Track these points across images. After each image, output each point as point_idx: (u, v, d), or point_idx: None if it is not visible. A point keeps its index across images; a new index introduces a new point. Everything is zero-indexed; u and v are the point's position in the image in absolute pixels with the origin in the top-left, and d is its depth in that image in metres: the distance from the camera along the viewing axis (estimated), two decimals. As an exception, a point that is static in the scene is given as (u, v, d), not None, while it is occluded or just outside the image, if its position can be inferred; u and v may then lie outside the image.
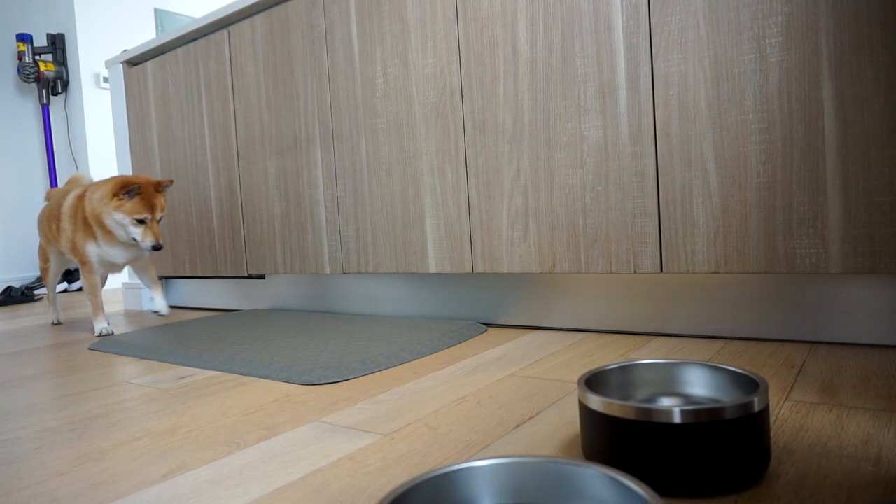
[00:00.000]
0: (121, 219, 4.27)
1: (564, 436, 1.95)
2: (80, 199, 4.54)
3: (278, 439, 2.11)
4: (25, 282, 9.18)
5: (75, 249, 4.57)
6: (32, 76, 8.98)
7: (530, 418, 2.14)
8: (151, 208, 4.30)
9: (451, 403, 2.38)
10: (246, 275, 5.13)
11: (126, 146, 6.15)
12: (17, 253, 9.34)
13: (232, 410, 2.48)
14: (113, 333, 4.54)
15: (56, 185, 9.44)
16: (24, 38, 8.96)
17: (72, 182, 5.43)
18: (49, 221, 4.93)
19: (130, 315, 5.77)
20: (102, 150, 9.15)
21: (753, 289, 3.03)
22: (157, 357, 3.57)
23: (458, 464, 1.39)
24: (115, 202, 4.25)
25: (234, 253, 5.17)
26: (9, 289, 7.94)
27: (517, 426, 2.08)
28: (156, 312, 4.78)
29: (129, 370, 3.33)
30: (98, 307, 4.65)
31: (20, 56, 8.98)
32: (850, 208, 2.64)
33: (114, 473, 1.92)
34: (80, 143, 9.14)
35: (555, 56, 3.34)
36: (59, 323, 5.53)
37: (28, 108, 9.48)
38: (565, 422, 2.08)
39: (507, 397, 2.41)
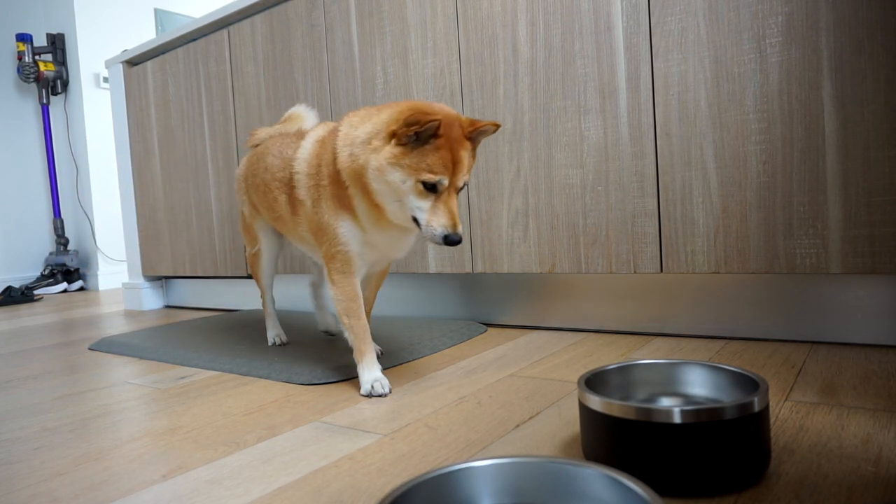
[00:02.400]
0: (396, 178, 2.39)
1: (564, 436, 1.95)
2: (328, 142, 2.73)
3: (278, 439, 2.12)
4: (25, 282, 9.17)
5: (319, 231, 2.75)
6: (32, 76, 8.98)
7: (530, 418, 2.15)
8: (453, 165, 2.39)
9: (451, 403, 2.38)
10: (246, 275, 5.14)
11: (126, 146, 6.15)
12: (17, 253, 9.34)
13: (232, 410, 2.49)
14: (388, 393, 2.58)
15: (56, 187, 9.52)
16: (23, 37, 8.96)
17: (291, 120, 3.67)
18: (260, 180, 3.25)
19: (130, 315, 5.77)
20: (102, 150, 9.15)
21: (753, 289, 3.03)
22: (157, 357, 3.58)
23: (459, 464, 1.39)
24: (390, 148, 2.39)
25: (235, 253, 5.17)
26: (9, 289, 7.93)
27: (517, 426, 2.08)
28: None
29: (129, 370, 3.34)
30: (365, 341, 2.72)
31: (20, 56, 8.98)
32: (850, 208, 2.64)
33: (114, 473, 1.92)
34: (80, 143, 9.14)
35: (555, 56, 3.34)
36: (283, 343, 3.61)
37: (28, 108, 9.48)
38: (565, 422, 2.08)
39: (508, 397, 2.41)
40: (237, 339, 3.84)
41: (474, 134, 2.48)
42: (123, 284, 6.33)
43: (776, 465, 1.65)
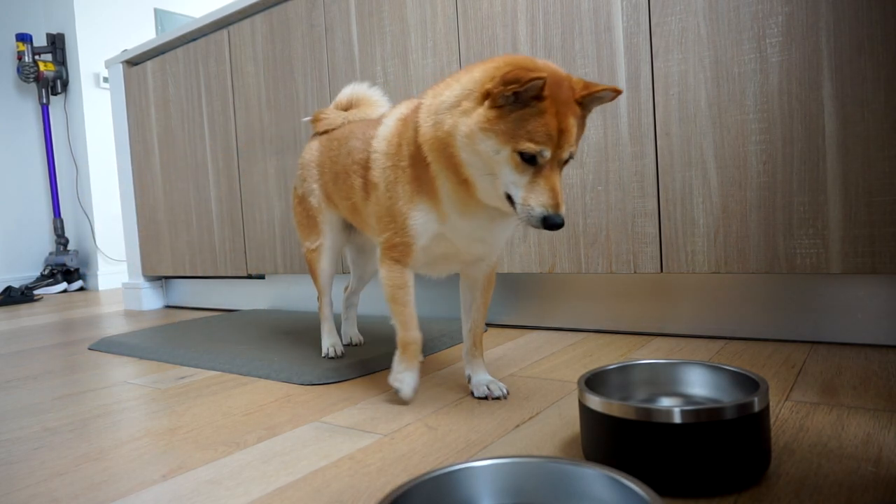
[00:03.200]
0: (488, 147, 2.02)
1: (564, 436, 1.95)
2: (410, 119, 2.39)
3: (278, 439, 2.12)
4: (25, 282, 9.16)
5: (386, 217, 2.46)
6: (32, 76, 8.97)
7: (530, 418, 2.15)
8: (559, 134, 1.99)
9: (450, 403, 2.38)
10: (246, 275, 5.15)
11: (126, 146, 6.15)
12: (17, 253, 9.34)
13: (232, 410, 2.49)
14: (409, 396, 2.44)
15: (56, 187, 9.53)
16: (23, 37, 8.96)
17: (360, 105, 3.33)
18: (340, 166, 2.92)
19: (130, 315, 5.78)
20: (102, 151, 9.14)
21: (753, 289, 3.03)
22: (157, 357, 3.58)
23: (459, 464, 1.39)
24: (483, 110, 2.02)
25: (235, 253, 5.18)
26: (8, 289, 7.93)
27: (517, 426, 2.08)
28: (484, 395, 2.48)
29: (128, 370, 3.34)
30: (408, 328, 2.51)
31: (20, 56, 8.98)
32: (851, 208, 2.64)
33: (114, 473, 1.92)
34: (80, 143, 9.14)
35: (555, 56, 3.34)
36: (339, 355, 3.17)
37: (28, 108, 9.47)
38: (565, 422, 2.08)
39: (508, 397, 2.41)
40: (237, 339, 3.83)
41: (587, 99, 2.07)
42: (123, 284, 6.33)
43: (776, 465, 1.65)
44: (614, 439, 1.60)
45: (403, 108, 2.56)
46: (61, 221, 9.31)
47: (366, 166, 2.64)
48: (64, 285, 9.07)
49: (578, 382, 1.79)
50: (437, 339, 3.32)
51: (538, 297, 3.69)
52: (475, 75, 2.11)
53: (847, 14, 2.62)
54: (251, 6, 4.82)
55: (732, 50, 2.86)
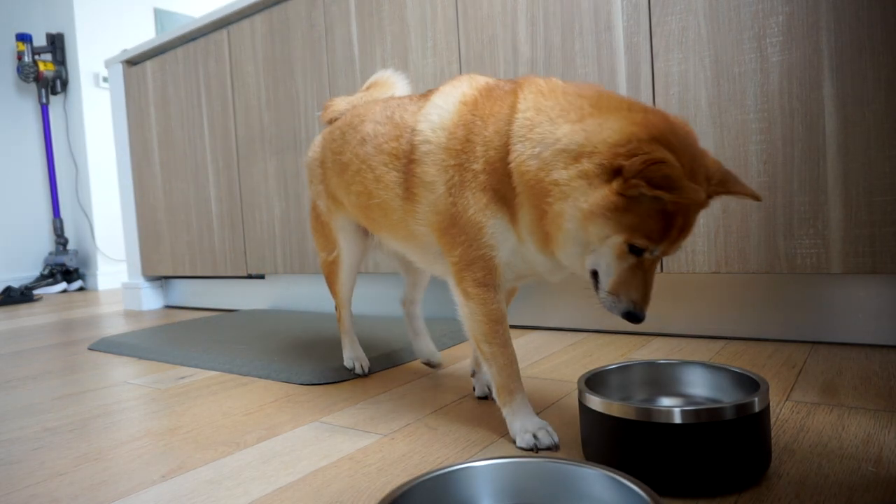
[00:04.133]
0: (599, 232, 1.75)
1: (564, 436, 1.95)
2: (491, 114, 2.01)
3: (278, 439, 2.12)
4: (25, 282, 9.16)
5: (452, 228, 2.08)
6: (32, 76, 8.97)
7: (530, 418, 2.15)
8: (680, 234, 1.75)
9: (451, 403, 2.38)
10: (246, 275, 5.15)
11: (125, 146, 6.15)
12: (17, 253, 9.34)
13: (232, 410, 2.49)
14: (556, 443, 1.94)
15: (56, 186, 9.52)
16: (23, 37, 8.96)
17: (378, 87, 2.97)
18: (351, 157, 2.53)
19: (130, 315, 5.78)
20: (102, 150, 9.14)
21: (754, 289, 3.03)
22: (157, 357, 3.58)
23: (459, 464, 1.40)
24: (608, 193, 1.69)
25: (234, 253, 5.18)
26: (8, 289, 7.94)
27: (517, 426, 2.08)
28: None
29: (128, 370, 3.34)
30: (513, 377, 2.07)
31: (19, 56, 8.98)
32: (851, 208, 2.64)
33: (113, 473, 1.93)
34: (80, 143, 9.14)
35: (555, 56, 3.34)
36: (365, 372, 2.94)
37: (27, 107, 9.48)
38: (565, 422, 2.08)
39: (508, 397, 2.41)
40: (237, 339, 3.83)
41: (721, 195, 1.83)
42: (123, 284, 6.33)
43: (777, 465, 1.65)
44: (614, 439, 1.60)
45: (465, 87, 2.15)
46: (61, 221, 9.31)
47: (408, 158, 2.21)
48: (63, 285, 9.07)
49: (578, 382, 1.79)
50: (438, 340, 3.31)
51: (538, 297, 3.69)
52: (605, 132, 1.72)
53: (847, 14, 2.62)
54: (251, 6, 4.82)
55: (733, 49, 2.86)
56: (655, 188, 1.57)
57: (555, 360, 2.90)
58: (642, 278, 1.76)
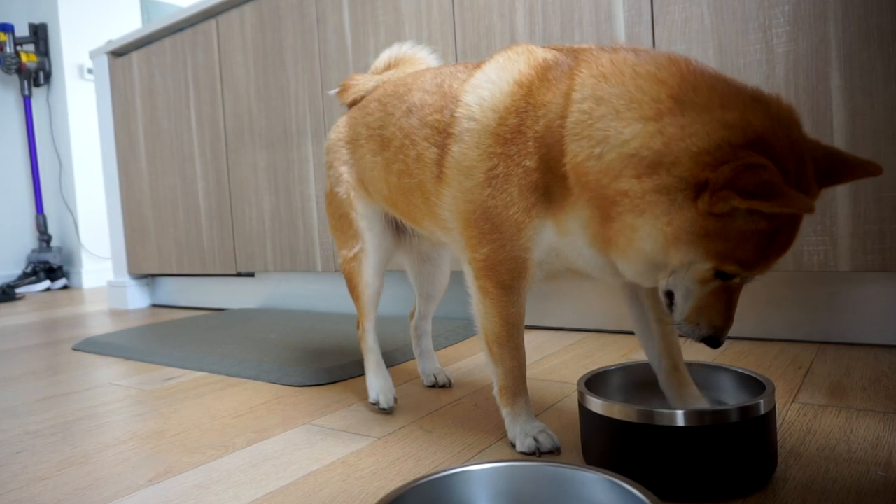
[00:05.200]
0: (684, 257, 1.52)
1: (564, 439, 1.95)
2: (546, 100, 1.77)
3: (268, 442, 2.12)
4: (7, 280, 9.15)
5: (491, 226, 1.88)
6: (14, 67, 8.95)
7: (529, 421, 2.14)
8: (776, 256, 1.51)
9: (446, 405, 2.38)
10: (235, 273, 5.15)
11: (111, 139, 6.14)
12: (-2, 250, 9.37)
13: (220, 413, 2.49)
14: (558, 447, 1.90)
15: (39, 182, 9.49)
16: (5, 27, 8.94)
17: (401, 64, 2.69)
18: (392, 132, 2.27)
19: (115, 314, 5.77)
20: (86, 144, 9.14)
21: (759, 287, 3.02)
22: (143, 358, 3.58)
23: (455, 468, 1.39)
24: (695, 215, 1.45)
25: (223, 250, 5.18)
26: (-11, 287, 7.94)
27: (515, 429, 2.08)
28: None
29: (113, 371, 3.34)
30: (519, 382, 2.00)
31: (1, 46, 8.96)
32: (860, 204, 2.64)
33: (98, 478, 1.92)
34: (63, 137, 9.13)
35: (555, 39, 3.33)
36: (390, 407, 2.39)
37: (9, 100, 9.48)
38: (564, 424, 2.08)
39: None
40: (226, 338, 3.83)
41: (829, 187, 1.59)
42: (108, 282, 6.32)
43: (783, 469, 1.65)
44: (615, 442, 1.60)
45: (522, 65, 1.89)
46: (44, 217, 9.30)
47: (445, 132, 2.01)
48: (47, 283, 9.06)
49: (578, 384, 1.78)
50: (433, 340, 3.29)
51: (536, 296, 3.69)
52: (691, 136, 1.45)
53: (856, 2, 2.62)
54: (240, -5, 4.81)
55: (737, 40, 2.85)
56: (750, 198, 1.34)
57: (554, 361, 2.90)
58: (726, 303, 1.58)
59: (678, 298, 1.60)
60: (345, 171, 2.53)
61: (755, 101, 1.50)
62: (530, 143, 1.77)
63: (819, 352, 2.74)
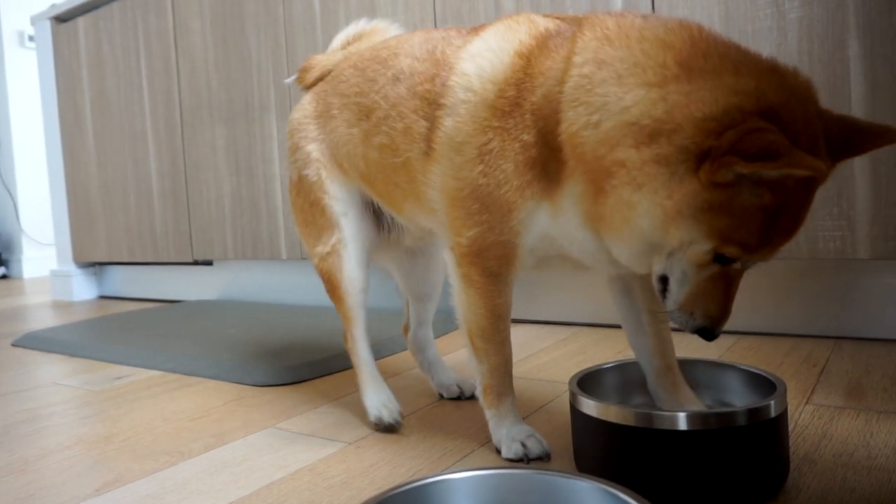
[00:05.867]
0: (682, 235, 1.51)
1: (554, 444, 1.95)
2: (547, 69, 1.75)
3: (228, 448, 2.12)
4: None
5: (480, 205, 1.85)
6: (-54, 33, 8.93)
7: (516, 424, 2.14)
8: (783, 239, 1.54)
9: (425, 407, 2.38)
10: (191, 261, 5.14)
11: (54, 114, 6.12)
12: (-70, 236, 9.32)
13: (175, 415, 2.48)
14: (548, 452, 1.89)
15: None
16: (-64, -11, 8.92)
17: (371, 36, 2.59)
18: (374, 101, 2.18)
19: (59, 307, 5.76)
20: (27, 120, 9.09)
21: (769, 277, 3.03)
22: (90, 355, 3.56)
23: (434, 476, 1.39)
24: (697, 187, 1.44)
25: (178, 236, 5.16)
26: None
27: (501, 433, 2.07)
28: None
29: (57, 370, 3.33)
30: (505, 379, 2.00)
31: (-68, 10, 8.94)
32: (881, 184, 2.64)
33: (40, 487, 1.91)
34: (2, 111, 9.09)
35: (544, 9, 3.33)
36: (396, 423, 2.20)
37: (-59, 69, 9.42)
38: (554, 428, 2.09)
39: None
40: (181, 333, 3.83)
41: (847, 159, 1.58)
42: (51, 272, 6.31)
43: (795, 477, 1.65)
44: (611, 448, 1.60)
45: (523, 35, 1.86)
46: (-20, 200, 9.27)
47: (436, 103, 1.96)
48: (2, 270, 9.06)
49: (570, 383, 1.78)
50: (401, 337, 3.30)
51: (525, 287, 3.69)
52: (697, 102, 1.44)
53: (876, -36, 2.62)
54: (197, -47, 4.79)
55: (745, 5, 2.85)
56: (754, 160, 1.33)
57: (543, 358, 2.90)
58: (724, 291, 1.57)
59: (673, 284, 1.59)
60: (314, 150, 2.39)
61: (770, 71, 1.49)
62: (527, 116, 1.74)
63: (835, 348, 2.75)
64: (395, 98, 2.09)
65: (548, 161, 1.73)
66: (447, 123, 1.90)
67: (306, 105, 2.45)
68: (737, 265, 1.53)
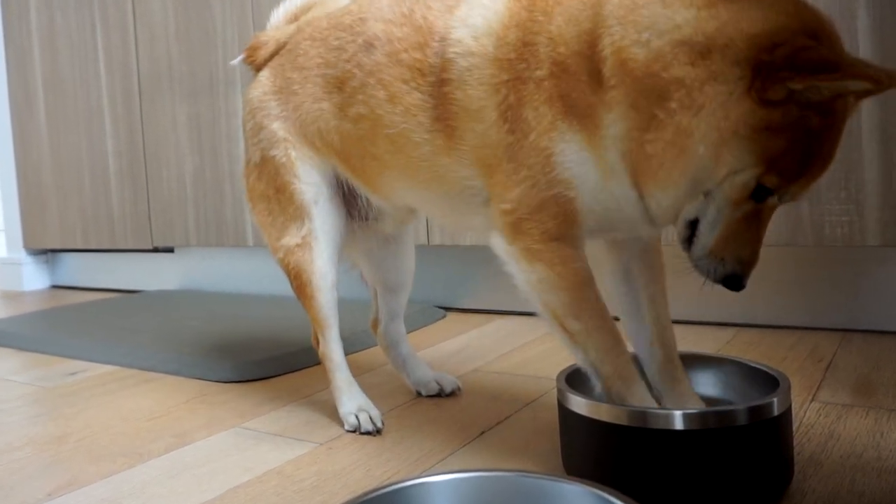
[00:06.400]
0: (734, 160, 1.50)
1: (541, 445, 1.95)
2: (546, 4, 1.77)
3: (190, 449, 2.11)
4: None
5: (516, 163, 1.80)
6: None
7: (498, 423, 2.15)
8: (821, 165, 1.55)
9: (402, 405, 2.38)
10: (151, 248, 5.11)
11: (3, 91, 6.08)
12: None
13: (134, 414, 2.48)
14: None
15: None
16: None
17: (316, 6, 2.50)
18: (347, 71, 2.16)
19: (8, 297, 5.75)
20: (-27, 95, 9.02)
21: (772, 265, 3.03)
22: (42, 349, 3.55)
23: (411, 479, 1.39)
24: (755, 105, 1.45)
25: (137, 220, 5.13)
26: None
27: (482, 432, 2.09)
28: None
29: (6, 365, 3.33)
30: (626, 362, 1.79)
31: None
32: (891, 166, 2.64)
33: (-14, 491, 1.91)
34: (-54, 86, 9.03)
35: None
36: (377, 429, 2.17)
37: None
38: (541, 427, 2.09)
39: (471, 398, 2.41)
40: (140, 326, 3.83)
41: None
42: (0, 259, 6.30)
43: (800, 480, 1.66)
44: (602, 449, 1.60)
45: None
46: (-78, 182, 9.22)
47: (440, 77, 1.92)
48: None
49: (558, 379, 1.79)
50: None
51: (507, 274, 3.66)
52: (747, 19, 1.48)
53: (888, -72, 2.62)
54: (157, -85, 4.77)
55: (748, -28, 2.85)
56: (812, 73, 1.36)
57: (529, 352, 2.90)
58: (756, 232, 1.63)
59: (704, 227, 1.59)
60: (279, 128, 2.32)
61: (809, 6, 1.52)
62: (541, 50, 1.71)
63: (843, 341, 2.76)
64: (371, 66, 2.06)
65: (573, 91, 1.68)
66: (459, 96, 1.86)
67: (264, 81, 2.40)
68: (773, 200, 1.55)
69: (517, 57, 1.74)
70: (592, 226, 1.77)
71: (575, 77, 1.66)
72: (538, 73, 1.70)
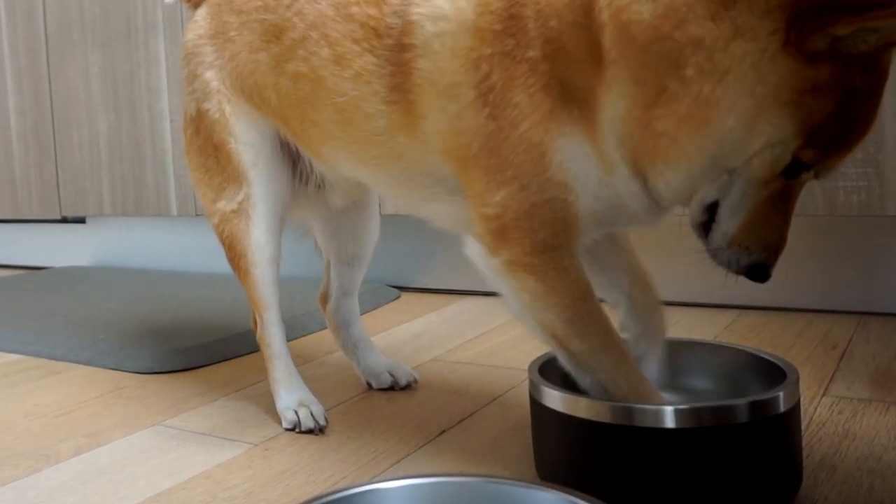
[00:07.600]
0: (772, 131, 1.42)
1: (510, 445, 1.95)
2: None
3: (105, 450, 2.10)
4: None
5: (500, 160, 1.71)
6: None
7: (461, 421, 2.16)
8: (859, 135, 1.51)
9: (350, 399, 2.38)
10: (59, 218, 5.08)
11: None
12: None
13: (40, 409, 2.46)
14: None
15: None
16: None
17: None
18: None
19: None
20: None
21: (778, 239, 3.03)
22: (-69, 335, 3.52)
23: (360, 485, 1.39)
24: (795, 63, 1.37)
25: (43, 187, 5.11)
26: None
27: (443, 431, 2.09)
28: None
29: None
30: (641, 382, 1.74)
31: None
32: (915, 125, 2.65)
33: None
34: None
35: None
36: (320, 426, 2.15)
37: None
38: (511, 425, 2.09)
39: (429, 391, 2.41)
40: (47, 308, 3.81)
41: None
42: None
43: (810, 485, 1.66)
44: (580, 450, 1.60)
45: None
46: None
47: (400, 42, 1.83)
48: None
49: (529, 370, 1.79)
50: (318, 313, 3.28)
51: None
52: None
53: None
54: None
55: None
56: (861, 12, 1.28)
57: (496, 338, 2.91)
58: (784, 214, 1.55)
59: (724, 212, 1.55)
60: (213, 78, 2.25)
61: None
62: (530, 25, 1.61)
63: (859, 326, 2.77)
64: (314, 17, 1.97)
65: (570, 75, 1.61)
66: (423, 66, 1.77)
67: (201, 22, 2.31)
68: (806, 176, 1.50)
69: (504, 30, 1.64)
70: (592, 226, 1.74)
71: (573, 57, 1.59)
72: (530, 53, 1.62)
